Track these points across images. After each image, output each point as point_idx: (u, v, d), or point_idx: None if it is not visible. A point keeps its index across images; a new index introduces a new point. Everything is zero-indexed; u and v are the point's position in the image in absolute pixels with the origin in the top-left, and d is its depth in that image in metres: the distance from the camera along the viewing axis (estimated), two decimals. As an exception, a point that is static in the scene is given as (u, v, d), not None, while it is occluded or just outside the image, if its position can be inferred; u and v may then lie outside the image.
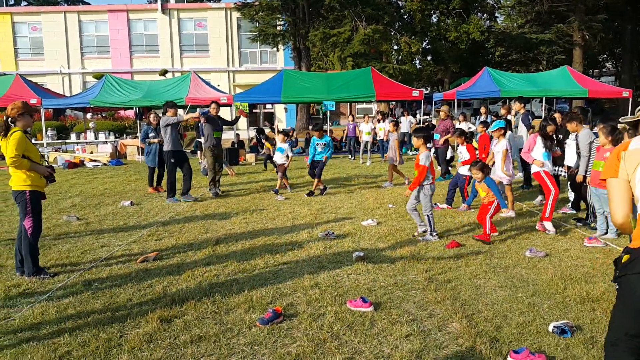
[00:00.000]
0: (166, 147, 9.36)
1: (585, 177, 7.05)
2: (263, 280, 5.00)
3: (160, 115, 9.95)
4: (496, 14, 37.54)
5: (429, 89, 42.98)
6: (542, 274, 5.12)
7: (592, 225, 7.06)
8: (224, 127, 10.44)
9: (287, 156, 10.29)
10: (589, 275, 5.09)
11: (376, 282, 4.94)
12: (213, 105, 10.10)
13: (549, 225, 6.70)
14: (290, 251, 6.04)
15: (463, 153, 8.54)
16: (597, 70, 44.76)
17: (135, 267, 5.47)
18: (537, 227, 6.82)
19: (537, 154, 7.10)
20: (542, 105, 24.18)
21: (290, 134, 11.12)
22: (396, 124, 11.28)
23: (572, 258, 5.67)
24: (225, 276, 5.15)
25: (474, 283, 4.89)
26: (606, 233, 6.54)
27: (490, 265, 5.43)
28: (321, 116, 23.22)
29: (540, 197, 8.62)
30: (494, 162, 8.10)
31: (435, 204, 8.22)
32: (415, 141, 6.52)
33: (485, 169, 6.58)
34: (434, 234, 6.44)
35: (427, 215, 6.44)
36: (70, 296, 4.63)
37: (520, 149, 10.68)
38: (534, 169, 7.11)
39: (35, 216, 5.10)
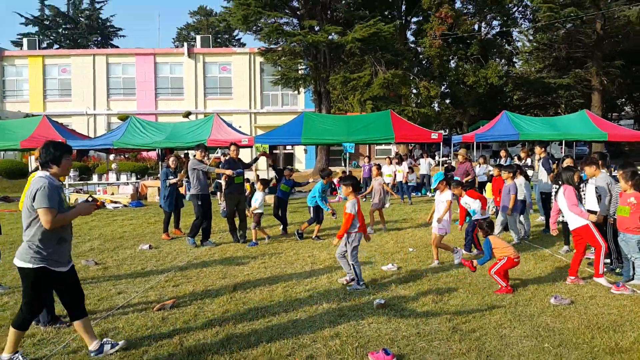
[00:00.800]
0: (193, 191, 9.34)
1: (606, 219, 6.86)
2: (282, 330, 4.88)
3: (182, 156, 10.03)
4: (514, 59, 37.92)
5: (447, 131, 43.11)
6: (568, 323, 4.94)
7: (617, 270, 6.83)
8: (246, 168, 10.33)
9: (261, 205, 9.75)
10: (617, 323, 4.89)
11: (398, 331, 4.80)
12: (232, 148, 9.90)
13: (602, 281, 6.32)
14: (309, 298, 5.92)
15: (469, 203, 8.25)
16: (615, 114, 44.49)
17: (152, 316, 5.39)
18: (567, 282, 6.44)
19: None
20: (561, 148, 24.00)
21: (287, 174, 10.94)
22: (379, 167, 11.26)
23: (599, 305, 5.47)
24: (243, 325, 5.04)
25: (499, 333, 4.72)
26: (632, 279, 6.32)
27: (515, 313, 5.25)
28: (343, 157, 23.36)
29: (566, 248, 8.37)
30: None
31: (457, 249, 8.02)
32: (344, 189, 6.44)
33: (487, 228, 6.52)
34: (361, 283, 6.28)
35: (353, 264, 6.30)
36: (86, 347, 4.55)
37: (542, 193, 10.55)
38: (581, 221, 6.45)
39: None
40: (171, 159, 10.72)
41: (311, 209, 10.09)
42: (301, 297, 5.98)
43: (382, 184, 10.86)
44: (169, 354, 4.38)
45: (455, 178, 11.21)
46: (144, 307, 5.68)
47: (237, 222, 9.84)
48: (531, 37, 33.18)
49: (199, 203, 9.27)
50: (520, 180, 9.56)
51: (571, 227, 6.63)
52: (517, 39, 36.55)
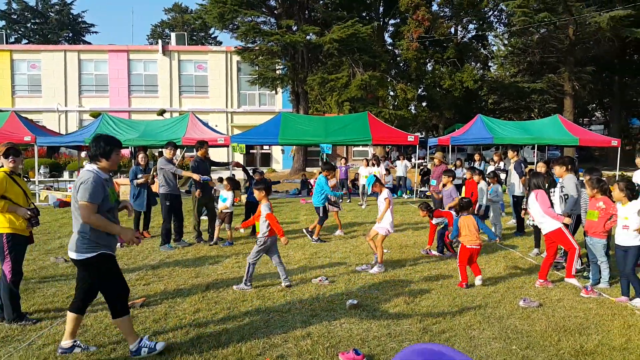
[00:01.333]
0: (162, 190, 8.90)
1: (579, 218, 7.03)
2: (253, 330, 4.85)
3: (156, 154, 9.81)
4: (489, 64, 38.55)
5: (423, 133, 43.57)
6: (536, 325, 5.02)
7: (585, 274, 6.99)
8: (216, 167, 10.12)
9: (231, 204, 9.68)
10: (582, 326, 5.00)
11: (369, 332, 4.81)
12: (205, 146, 9.72)
13: (574, 281, 6.47)
14: (282, 298, 5.90)
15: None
16: (587, 119, 45.65)
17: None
18: (536, 285, 6.52)
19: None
20: (534, 152, 24.50)
21: (257, 177, 10.61)
22: (333, 169, 10.75)
23: (566, 308, 5.58)
24: (214, 325, 4.99)
25: (469, 334, 4.77)
26: (598, 283, 6.48)
27: (484, 315, 5.32)
28: (320, 157, 23.32)
29: (536, 250, 8.52)
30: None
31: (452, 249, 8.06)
32: (257, 193, 6.48)
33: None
34: (249, 284, 6.27)
35: (250, 263, 6.28)
36: (52, 344, 4.45)
37: (514, 196, 10.74)
38: (554, 225, 6.52)
39: (14, 261, 4.93)
40: (140, 155, 10.21)
41: (320, 209, 9.98)
42: (274, 297, 5.96)
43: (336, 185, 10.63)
44: (138, 354, 4.30)
45: (432, 182, 11.32)
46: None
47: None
48: (506, 42, 33.80)
49: (167, 204, 8.87)
50: (482, 184, 9.85)
51: (544, 231, 6.70)
52: (493, 43, 37.21)
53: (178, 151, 10.93)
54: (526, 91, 32.39)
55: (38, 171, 18.95)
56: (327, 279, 6.64)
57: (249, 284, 6.28)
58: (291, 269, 7.32)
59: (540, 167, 9.30)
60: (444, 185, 9.45)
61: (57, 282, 6.57)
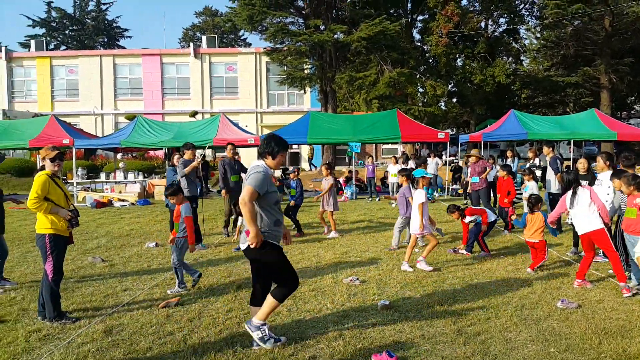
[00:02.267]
0: (186, 193, 8.87)
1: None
2: (285, 330, 4.86)
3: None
4: (522, 57, 37.65)
5: (455, 130, 42.93)
6: (575, 327, 4.87)
7: (627, 274, 6.75)
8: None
9: None
10: (625, 329, 4.82)
11: (402, 333, 4.76)
12: (229, 147, 10.04)
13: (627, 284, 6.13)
14: (313, 298, 5.91)
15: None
16: (625, 112, 44.10)
17: (157, 313, 5.40)
18: (574, 285, 6.33)
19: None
20: (570, 148, 23.82)
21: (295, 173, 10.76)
22: (330, 167, 10.57)
23: (606, 310, 5.39)
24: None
25: (505, 336, 4.67)
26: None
27: (521, 317, 5.19)
28: (347, 156, 23.28)
29: (574, 249, 8.28)
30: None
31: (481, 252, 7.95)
32: (175, 199, 6.44)
33: None
34: (182, 286, 6.23)
35: (175, 266, 6.23)
36: (90, 343, 4.57)
37: (550, 193, 10.46)
38: (597, 224, 6.30)
39: (55, 260, 5.09)
40: (175, 157, 10.52)
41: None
42: (305, 297, 5.97)
43: (332, 184, 10.21)
44: (173, 351, 4.39)
45: (474, 179, 11.07)
46: (149, 305, 5.70)
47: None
48: (539, 35, 32.93)
49: (193, 205, 8.77)
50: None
51: (583, 230, 6.42)
52: (525, 36, 36.32)
53: (198, 152, 11.17)
54: (560, 85, 31.47)
55: (76, 173, 19.52)
56: (358, 279, 6.62)
57: (182, 286, 6.27)
58: (322, 268, 7.33)
59: (582, 164, 8.97)
60: (417, 184, 8.97)
61: (94, 282, 6.75)
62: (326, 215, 10.35)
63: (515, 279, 6.66)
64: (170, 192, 6.54)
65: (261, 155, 4.49)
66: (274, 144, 4.43)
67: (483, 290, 6.18)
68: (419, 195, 7.44)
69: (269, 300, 4.39)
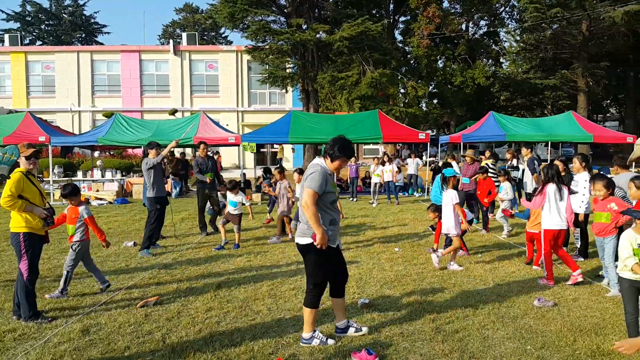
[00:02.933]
0: (150, 194, 8.59)
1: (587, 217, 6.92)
2: (265, 329, 4.85)
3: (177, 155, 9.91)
4: (501, 60, 38.19)
5: (435, 131, 43.32)
6: (551, 325, 4.97)
7: (600, 273, 6.89)
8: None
9: (242, 205, 9.26)
10: (599, 326, 4.94)
11: (381, 332, 4.79)
12: (202, 147, 10.19)
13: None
14: (294, 297, 5.91)
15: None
16: (601, 115, 45.10)
17: (135, 312, 5.34)
18: (540, 282, 6.52)
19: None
20: (547, 149, 24.24)
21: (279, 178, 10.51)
22: (282, 170, 10.34)
23: (582, 308, 5.51)
24: (226, 323, 5.02)
25: (482, 334, 4.73)
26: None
27: (498, 315, 5.27)
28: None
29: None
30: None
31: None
32: (74, 200, 6.18)
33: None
34: (65, 292, 5.95)
35: (67, 271, 5.98)
36: (67, 342, 4.50)
37: (527, 193, 10.65)
38: (547, 225, 6.61)
39: (30, 259, 5.00)
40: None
41: None
42: (286, 295, 5.96)
43: (288, 188, 9.94)
44: (151, 350, 4.35)
45: (465, 180, 11.13)
46: (127, 304, 5.63)
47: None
48: (518, 38, 33.45)
49: (157, 207, 8.59)
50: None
51: (552, 226, 6.56)
52: (505, 39, 36.88)
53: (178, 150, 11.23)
54: (539, 87, 32.05)
55: (52, 171, 19.16)
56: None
57: (65, 292, 5.96)
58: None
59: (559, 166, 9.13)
60: (447, 184, 9.11)
61: (71, 281, 6.62)
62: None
63: (493, 278, 6.76)
64: (68, 193, 5.96)
65: (324, 154, 4.50)
66: (337, 148, 4.40)
67: (461, 288, 6.25)
68: (451, 196, 7.53)
69: (306, 312, 4.49)
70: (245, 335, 4.69)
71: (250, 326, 4.93)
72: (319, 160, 4.46)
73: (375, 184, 16.32)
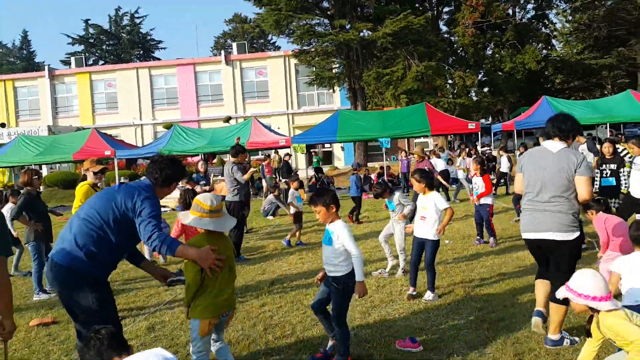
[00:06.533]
0: (237, 197, 8.32)
1: None
2: (315, 321, 5.12)
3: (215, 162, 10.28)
4: (552, 42, 36.67)
5: (490, 119, 42.18)
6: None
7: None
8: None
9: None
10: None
11: (427, 320, 4.96)
12: (200, 164, 10.69)
13: None
14: (342, 291, 6.15)
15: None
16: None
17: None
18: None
19: None
20: (610, 131, 23.22)
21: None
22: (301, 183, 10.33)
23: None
24: (279, 317, 5.35)
25: (528, 320, 4.79)
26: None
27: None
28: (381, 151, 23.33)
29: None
30: None
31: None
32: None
33: None
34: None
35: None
36: (135, 339, 4.97)
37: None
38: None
39: None
40: (199, 163, 10.77)
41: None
42: (335, 290, 6.22)
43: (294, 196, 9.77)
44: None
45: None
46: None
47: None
48: (570, 18, 32.08)
49: (243, 212, 8.67)
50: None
51: None
52: (557, 20, 35.39)
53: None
54: (594, 68, 30.60)
55: (118, 182, 20.42)
56: (386, 270, 6.83)
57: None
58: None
59: (607, 148, 8.78)
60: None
61: (138, 283, 7.21)
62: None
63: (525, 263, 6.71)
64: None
65: (561, 136, 4.21)
66: (565, 126, 4.19)
67: (509, 279, 6.27)
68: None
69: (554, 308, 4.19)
70: (296, 327, 4.99)
71: (301, 319, 5.23)
72: (575, 146, 4.29)
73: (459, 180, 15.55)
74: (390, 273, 6.83)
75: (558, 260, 4.23)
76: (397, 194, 6.90)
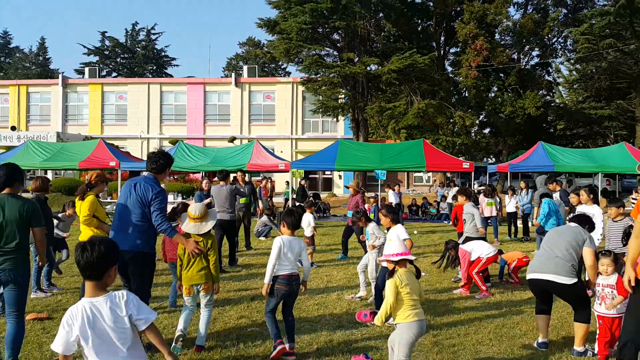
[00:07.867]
0: (229, 217, 9.62)
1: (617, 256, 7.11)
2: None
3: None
4: (554, 90, 37.54)
5: (493, 158, 42.79)
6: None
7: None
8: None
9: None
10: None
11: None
12: (239, 174, 11.29)
13: None
14: (315, 311, 6.66)
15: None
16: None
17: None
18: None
19: None
20: (607, 181, 23.73)
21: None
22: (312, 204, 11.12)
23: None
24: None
25: (476, 349, 5.29)
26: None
27: (499, 334, 5.76)
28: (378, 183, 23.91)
29: None
30: None
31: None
32: None
33: None
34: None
35: None
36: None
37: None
38: None
39: None
40: (204, 181, 11.20)
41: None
42: (309, 309, 6.73)
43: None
44: (188, 347, 5.21)
45: (349, 213, 10.39)
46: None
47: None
48: (572, 67, 33.03)
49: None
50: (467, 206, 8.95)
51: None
52: (563, 68, 36.40)
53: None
54: (593, 117, 31.38)
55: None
56: (357, 296, 7.33)
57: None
58: (330, 287, 8.07)
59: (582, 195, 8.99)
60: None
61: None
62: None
63: (507, 302, 7.21)
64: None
65: None
66: None
67: (472, 311, 6.75)
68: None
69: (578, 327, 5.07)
70: (266, 338, 5.49)
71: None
72: None
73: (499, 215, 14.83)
74: (362, 298, 7.32)
75: None
76: (371, 225, 7.45)
